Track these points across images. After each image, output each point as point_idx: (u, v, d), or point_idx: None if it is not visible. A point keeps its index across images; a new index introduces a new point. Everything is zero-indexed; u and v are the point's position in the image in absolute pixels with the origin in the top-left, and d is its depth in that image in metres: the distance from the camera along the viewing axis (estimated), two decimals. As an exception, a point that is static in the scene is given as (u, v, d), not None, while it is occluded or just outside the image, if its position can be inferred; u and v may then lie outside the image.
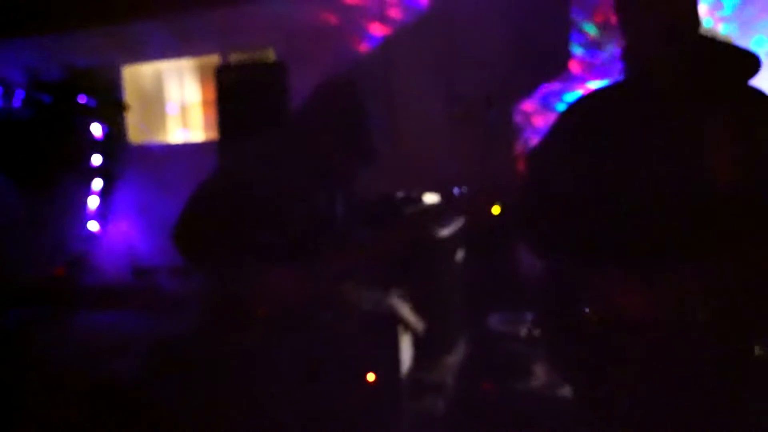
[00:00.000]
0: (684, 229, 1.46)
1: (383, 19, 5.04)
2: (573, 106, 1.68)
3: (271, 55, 5.43)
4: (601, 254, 1.53)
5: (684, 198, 1.46)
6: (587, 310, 1.54)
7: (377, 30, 5.05)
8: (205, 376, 2.05)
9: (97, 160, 5.36)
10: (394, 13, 5.04)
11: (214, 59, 5.49)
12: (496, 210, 3.92)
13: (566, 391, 3.14)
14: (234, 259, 1.89)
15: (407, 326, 3.30)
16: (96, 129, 5.37)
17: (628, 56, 1.58)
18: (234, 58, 5.44)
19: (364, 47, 5.05)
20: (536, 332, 1.85)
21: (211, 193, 1.91)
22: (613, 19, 1.59)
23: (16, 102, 5.36)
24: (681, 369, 1.49)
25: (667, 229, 1.47)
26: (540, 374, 3.34)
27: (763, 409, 1.52)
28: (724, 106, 1.46)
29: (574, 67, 4.35)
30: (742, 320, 1.53)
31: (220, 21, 5.36)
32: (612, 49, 4.10)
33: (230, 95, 4.31)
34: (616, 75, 1.62)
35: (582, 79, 4.32)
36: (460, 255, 3.82)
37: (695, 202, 1.45)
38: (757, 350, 1.60)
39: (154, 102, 6.09)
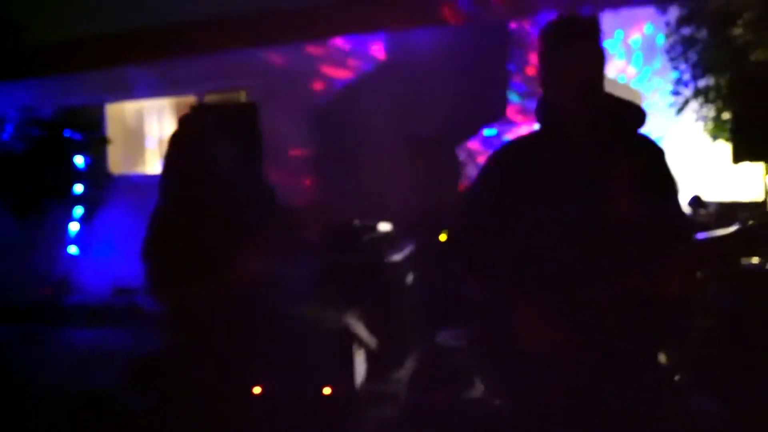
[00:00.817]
0: (591, 257, 1.50)
1: (346, 66, 5.09)
2: (497, 153, 1.72)
3: (243, 96, 5.43)
4: (523, 280, 1.56)
5: (590, 231, 1.51)
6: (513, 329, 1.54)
7: (341, 75, 5.09)
8: (180, 389, 1.99)
9: (79, 188, 5.25)
10: (356, 61, 5.10)
11: (190, 99, 5.45)
12: (443, 237, 3.94)
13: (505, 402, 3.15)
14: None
15: (362, 343, 3.27)
16: (79, 160, 5.27)
17: (544, 109, 1.63)
18: (209, 98, 5.42)
19: (328, 90, 5.08)
20: (472, 349, 1.84)
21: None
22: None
23: (9, 136, 5.25)
24: (595, 377, 1.51)
25: (577, 257, 1.51)
26: (481, 384, 3.32)
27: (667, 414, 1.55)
28: (620, 151, 1.54)
29: (511, 112, 4.46)
30: (646, 332, 1.57)
31: (200, 66, 5.35)
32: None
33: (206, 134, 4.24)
34: (538, 122, 1.67)
35: (518, 123, 4.42)
36: (410, 277, 3.81)
37: (599, 234, 1.50)
38: (662, 359, 1.66)
39: (136, 136, 6.01)
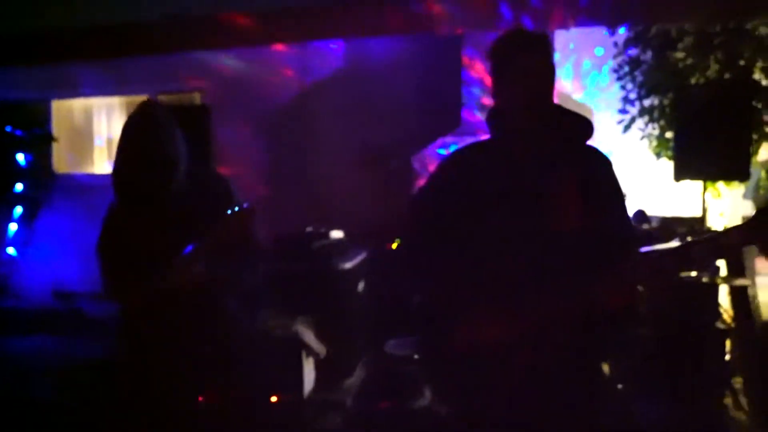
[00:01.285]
0: (536, 265, 1.53)
1: (302, 72, 5.08)
2: (446, 160, 1.75)
3: (197, 99, 5.34)
4: (468, 288, 1.59)
5: (536, 239, 1.54)
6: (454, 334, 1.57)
7: (297, 81, 5.08)
8: (127, 395, 1.94)
9: (19, 187, 5.05)
10: (313, 67, 5.09)
11: (142, 99, 5.31)
12: (395, 245, 3.97)
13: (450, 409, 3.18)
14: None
15: (311, 351, 3.25)
16: (21, 158, 5.08)
17: (495, 119, 1.67)
18: (162, 99, 5.31)
19: (283, 96, 5.05)
20: (420, 356, 1.85)
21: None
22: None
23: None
24: (539, 385, 1.54)
25: (522, 266, 1.54)
26: (429, 391, 3.36)
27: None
28: (568, 161, 1.59)
29: (467, 122, 4.53)
30: (589, 341, 1.61)
31: (153, 65, 5.24)
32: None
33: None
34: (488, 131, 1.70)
35: (473, 133, 4.49)
36: (361, 285, 3.81)
37: (544, 243, 1.54)
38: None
39: (83, 135, 5.82)
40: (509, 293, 1.53)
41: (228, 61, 5.11)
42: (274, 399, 2.88)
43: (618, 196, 1.63)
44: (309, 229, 3.68)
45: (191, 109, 4.70)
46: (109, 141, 5.84)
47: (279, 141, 4.88)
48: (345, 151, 4.56)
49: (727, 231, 1.34)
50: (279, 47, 5.04)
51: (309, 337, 3.20)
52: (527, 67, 1.55)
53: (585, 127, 1.65)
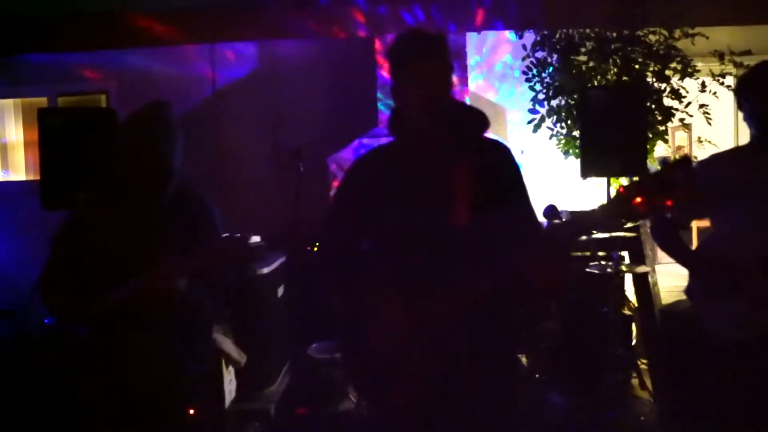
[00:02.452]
0: (440, 256, 1.60)
1: (214, 73, 4.98)
2: (354, 163, 1.79)
3: (102, 101, 5.10)
4: (381, 287, 1.63)
5: (446, 232, 1.60)
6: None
7: (208, 83, 4.97)
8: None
9: None
10: (225, 68, 5.00)
11: (42, 101, 5.03)
12: (316, 249, 3.95)
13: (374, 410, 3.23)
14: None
15: (230, 360, 3.19)
16: None
17: (396, 120, 1.73)
18: (64, 102, 5.04)
19: (195, 98, 4.94)
20: (337, 357, 1.88)
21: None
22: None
23: None
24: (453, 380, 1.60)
25: (435, 259, 1.60)
26: (353, 394, 3.39)
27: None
28: (468, 153, 1.66)
29: (382, 124, 4.61)
30: (505, 335, 1.70)
31: (53, 66, 4.96)
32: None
33: (55, 138, 3.93)
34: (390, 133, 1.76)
35: (388, 135, 4.57)
36: (281, 290, 3.79)
37: (455, 235, 1.60)
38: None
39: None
40: (422, 289, 1.58)
41: (135, 62, 4.93)
42: (191, 412, 2.80)
43: (519, 183, 1.71)
44: (224, 234, 3.61)
45: (96, 113, 4.50)
46: (2, 146, 5.47)
47: (190, 143, 4.74)
48: (260, 154, 4.52)
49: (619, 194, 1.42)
50: (189, 47, 4.92)
51: (228, 345, 3.14)
52: (423, 69, 1.59)
53: (480, 119, 1.72)
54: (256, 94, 4.71)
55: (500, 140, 1.78)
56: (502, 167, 1.70)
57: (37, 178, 4.18)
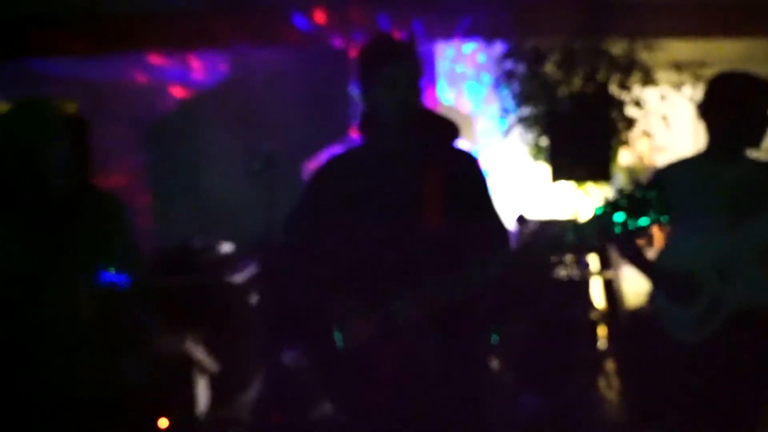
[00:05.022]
0: (414, 260, 1.62)
1: (187, 80, 4.96)
2: (318, 169, 1.80)
3: (72, 108, 5.02)
4: (349, 292, 1.65)
5: (411, 238, 1.63)
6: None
7: (180, 90, 4.95)
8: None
9: None
10: (197, 75, 4.98)
11: (3, 107, 4.91)
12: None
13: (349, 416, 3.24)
14: None
15: (202, 368, 3.18)
16: None
17: (365, 124, 1.75)
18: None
19: (167, 105, 4.90)
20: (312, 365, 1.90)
21: None
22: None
23: None
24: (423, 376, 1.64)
25: (400, 265, 1.62)
26: (325, 402, 3.40)
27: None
28: (436, 162, 1.68)
29: (354, 132, 4.65)
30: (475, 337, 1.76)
31: (21, 71, 4.86)
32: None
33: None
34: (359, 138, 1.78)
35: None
36: (253, 297, 3.79)
37: (419, 241, 1.63)
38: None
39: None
40: (388, 293, 1.61)
41: (105, 69, 4.87)
42: (163, 423, 2.78)
43: (485, 192, 1.73)
44: (195, 241, 3.60)
45: (65, 119, 4.42)
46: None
47: (162, 150, 4.72)
48: (232, 161, 4.50)
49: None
50: (161, 54, 4.88)
51: (199, 353, 3.13)
52: (393, 73, 1.61)
53: (451, 128, 1.75)
54: (228, 101, 4.70)
55: (468, 150, 1.81)
56: (469, 176, 1.73)
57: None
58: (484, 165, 1.78)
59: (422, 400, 1.64)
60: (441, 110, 1.78)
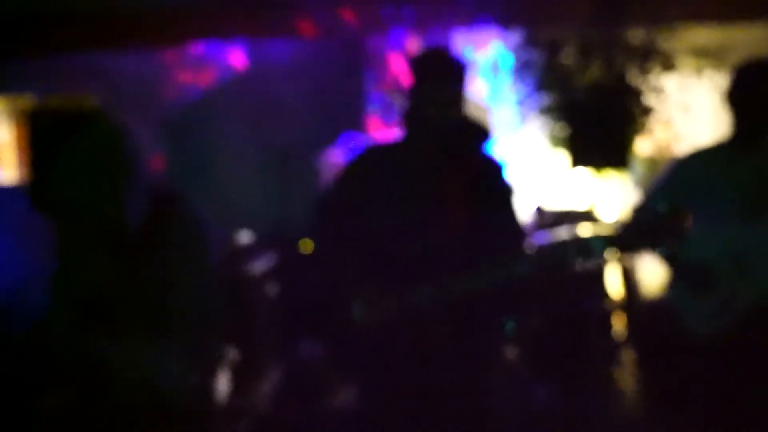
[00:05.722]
0: (433, 252, 1.71)
1: (204, 73, 4.99)
2: (355, 157, 1.90)
3: (91, 101, 5.08)
4: (374, 280, 1.73)
5: (436, 228, 1.73)
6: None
7: (198, 83, 4.98)
8: None
9: None
10: (214, 69, 5.01)
11: (28, 101, 5.00)
12: (304, 246, 3.99)
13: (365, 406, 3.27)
14: None
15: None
16: None
17: (408, 122, 1.84)
18: (52, 102, 5.01)
19: (184, 98, 4.94)
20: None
21: None
22: (399, 86, 1.88)
23: None
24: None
25: (423, 253, 1.71)
26: (342, 392, 3.43)
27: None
28: (466, 164, 1.80)
29: (369, 123, 4.64)
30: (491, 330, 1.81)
31: (38, 65, 4.93)
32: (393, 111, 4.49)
33: (44, 139, 3.92)
34: (400, 128, 1.88)
35: (375, 134, 4.61)
36: (271, 288, 3.82)
37: (443, 231, 1.73)
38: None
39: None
40: (412, 278, 1.69)
41: (123, 64, 4.92)
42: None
43: (505, 198, 1.84)
44: (214, 233, 3.63)
45: (84, 114, 4.49)
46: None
47: (180, 144, 4.76)
48: (248, 154, 4.54)
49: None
50: (177, 49, 4.91)
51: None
52: (440, 91, 1.75)
53: (481, 133, 1.87)
54: (244, 94, 4.72)
55: (496, 158, 1.90)
56: (495, 182, 1.84)
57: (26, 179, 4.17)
58: (508, 172, 1.89)
59: (435, 385, 1.70)
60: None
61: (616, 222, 1.62)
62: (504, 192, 1.84)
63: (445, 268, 1.68)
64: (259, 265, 3.61)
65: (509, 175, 1.87)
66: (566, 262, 1.63)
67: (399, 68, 4.60)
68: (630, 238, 1.59)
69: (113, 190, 1.65)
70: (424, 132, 1.77)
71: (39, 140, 1.99)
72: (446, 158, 1.79)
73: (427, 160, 1.78)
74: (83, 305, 1.67)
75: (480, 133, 1.87)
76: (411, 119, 1.82)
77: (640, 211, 2.07)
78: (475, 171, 1.80)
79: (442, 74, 1.77)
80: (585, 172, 3.91)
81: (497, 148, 1.94)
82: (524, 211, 1.93)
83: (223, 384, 3.25)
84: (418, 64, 1.83)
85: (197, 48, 4.92)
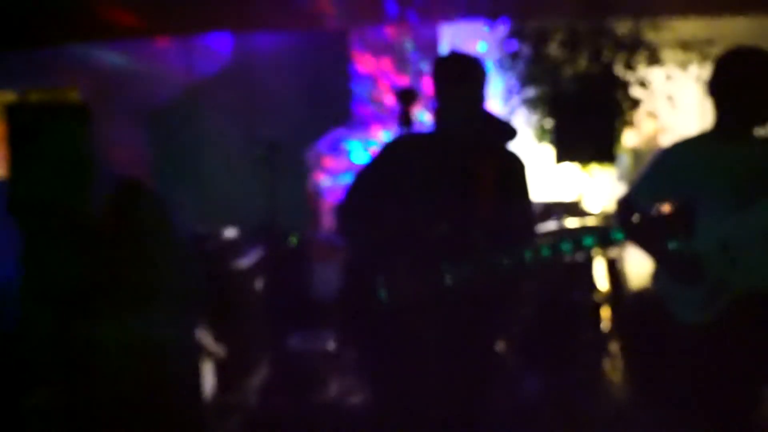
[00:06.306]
0: (455, 236, 1.80)
1: (190, 67, 4.93)
2: (390, 143, 2.04)
3: (74, 96, 5.00)
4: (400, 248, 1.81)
5: (457, 215, 1.83)
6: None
7: (183, 77, 4.92)
8: None
9: None
10: (200, 62, 4.95)
11: (9, 96, 4.91)
12: (293, 240, 3.97)
13: (355, 399, 3.27)
14: None
15: (209, 353, 3.19)
16: None
17: (440, 114, 1.95)
18: (34, 96, 4.93)
19: (170, 92, 4.88)
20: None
21: None
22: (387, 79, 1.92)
23: None
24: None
25: (444, 236, 1.80)
26: (334, 385, 3.42)
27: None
28: (492, 160, 1.92)
29: (357, 116, 4.63)
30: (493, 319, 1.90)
31: (21, 59, 4.84)
32: (381, 104, 4.48)
33: (25, 134, 3.86)
34: (393, 124, 1.97)
35: (364, 126, 4.60)
36: (259, 283, 3.79)
37: (464, 220, 1.82)
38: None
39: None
40: (436, 257, 1.77)
41: (107, 56, 4.85)
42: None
43: (524, 192, 1.95)
44: (200, 228, 3.60)
45: (67, 109, 4.41)
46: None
47: (165, 137, 4.71)
48: (235, 147, 4.50)
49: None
50: (162, 41, 4.85)
51: (206, 339, 3.14)
52: (464, 92, 1.88)
53: (507, 131, 2.00)
54: (231, 87, 4.68)
55: (518, 154, 2.00)
56: (516, 175, 1.95)
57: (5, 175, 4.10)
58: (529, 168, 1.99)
59: (437, 374, 1.78)
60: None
61: (631, 217, 1.67)
62: (523, 186, 1.94)
63: (464, 252, 1.76)
64: (247, 260, 3.58)
65: (530, 172, 1.98)
66: (584, 248, 1.73)
67: (386, 63, 4.59)
68: (645, 232, 1.63)
69: (80, 183, 1.70)
70: (449, 125, 1.89)
71: (16, 136, 1.94)
72: (475, 150, 1.90)
73: (453, 150, 1.89)
74: (62, 298, 1.70)
75: (505, 129, 2.00)
76: (440, 116, 1.93)
77: (626, 203, 2.07)
78: (498, 163, 1.90)
79: (459, 77, 1.88)
80: (572, 165, 3.92)
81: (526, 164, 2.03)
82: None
83: (211, 379, 3.23)
84: (436, 67, 1.93)
85: (183, 41, 4.86)
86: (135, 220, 1.71)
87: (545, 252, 1.71)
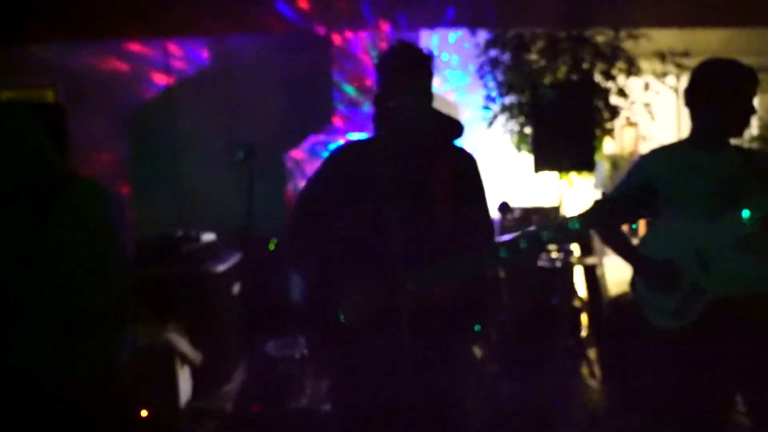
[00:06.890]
0: (413, 244, 1.69)
1: (167, 69, 4.87)
2: (333, 153, 1.90)
3: (50, 96, 4.91)
4: (350, 273, 1.73)
5: (413, 224, 1.71)
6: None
7: (161, 79, 4.86)
8: None
9: None
10: (178, 64, 4.90)
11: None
12: (271, 245, 3.93)
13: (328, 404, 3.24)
14: None
15: (185, 359, 3.14)
16: None
17: (381, 119, 1.82)
18: (6, 96, 4.83)
19: (147, 94, 4.81)
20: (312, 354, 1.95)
21: None
22: (368, 83, 1.84)
23: None
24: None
25: (402, 245, 1.69)
26: (309, 391, 3.38)
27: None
28: (439, 159, 1.81)
29: (337, 121, 4.61)
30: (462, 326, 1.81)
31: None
32: (368, 108, 4.45)
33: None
34: (371, 128, 1.88)
35: (344, 131, 4.59)
36: (236, 288, 3.75)
37: (418, 231, 1.72)
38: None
39: None
40: (388, 277, 1.68)
41: (84, 56, 4.77)
42: (143, 413, 2.75)
43: (480, 191, 1.84)
44: (177, 232, 3.55)
45: (42, 109, 4.33)
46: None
47: (143, 140, 4.64)
48: (213, 151, 4.46)
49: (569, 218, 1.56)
50: (141, 42, 4.79)
51: (182, 344, 3.09)
52: (413, 84, 1.75)
53: (456, 128, 1.88)
54: (209, 90, 4.64)
55: (468, 151, 1.90)
56: (468, 174, 1.84)
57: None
58: (481, 165, 1.88)
59: (401, 383, 1.68)
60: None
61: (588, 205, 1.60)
62: (478, 184, 1.84)
63: (424, 260, 1.67)
64: (224, 264, 3.54)
65: (481, 169, 1.87)
66: (542, 245, 1.62)
67: (366, 67, 4.58)
68: (605, 213, 1.55)
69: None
70: (397, 125, 1.76)
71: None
72: (421, 151, 1.79)
73: (403, 153, 1.77)
74: None
75: (453, 126, 1.87)
76: (383, 114, 1.80)
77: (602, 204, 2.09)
78: (451, 163, 1.80)
79: (411, 66, 1.76)
80: (551, 172, 3.94)
81: (467, 144, 1.91)
82: (491, 208, 1.91)
83: (187, 385, 3.18)
84: (386, 58, 1.81)
85: (161, 43, 4.80)
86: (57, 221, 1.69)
87: (503, 254, 1.62)
